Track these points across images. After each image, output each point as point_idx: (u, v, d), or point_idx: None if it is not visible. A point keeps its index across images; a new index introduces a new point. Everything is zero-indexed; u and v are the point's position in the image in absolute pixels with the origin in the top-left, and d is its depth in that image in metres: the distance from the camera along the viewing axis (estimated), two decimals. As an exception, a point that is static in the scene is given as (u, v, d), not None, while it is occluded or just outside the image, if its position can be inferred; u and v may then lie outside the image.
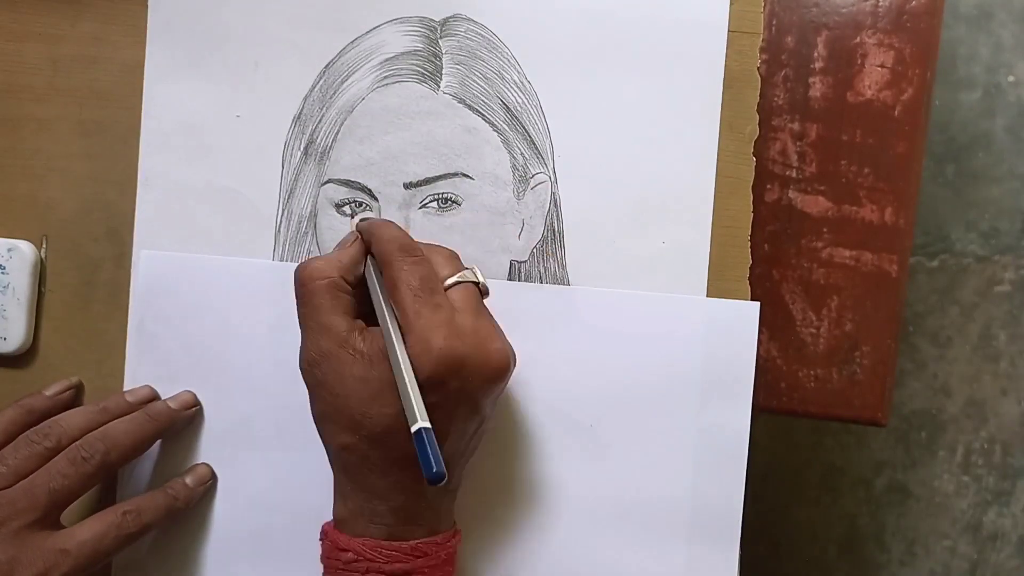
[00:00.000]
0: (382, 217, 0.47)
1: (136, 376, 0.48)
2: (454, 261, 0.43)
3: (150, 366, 0.48)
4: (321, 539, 0.42)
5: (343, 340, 0.40)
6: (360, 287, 0.42)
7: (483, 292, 0.42)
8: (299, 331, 0.41)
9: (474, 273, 0.42)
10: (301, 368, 0.41)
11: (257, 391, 0.47)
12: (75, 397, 0.48)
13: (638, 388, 0.46)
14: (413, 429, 0.36)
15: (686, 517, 0.46)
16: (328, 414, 0.40)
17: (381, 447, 0.39)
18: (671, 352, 0.46)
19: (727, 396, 0.46)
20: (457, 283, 0.41)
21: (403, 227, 0.47)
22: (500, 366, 0.40)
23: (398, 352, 0.38)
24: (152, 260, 0.48)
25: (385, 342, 0.39)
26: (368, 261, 0.43)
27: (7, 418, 0.45)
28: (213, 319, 0.47)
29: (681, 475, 0.46)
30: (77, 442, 0.43)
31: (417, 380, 0.38)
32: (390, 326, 0.39)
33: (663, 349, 0.46)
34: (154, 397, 0.47)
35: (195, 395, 0.47)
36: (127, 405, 0.46)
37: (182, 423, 0.47)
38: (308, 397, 0.42)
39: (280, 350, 0.47)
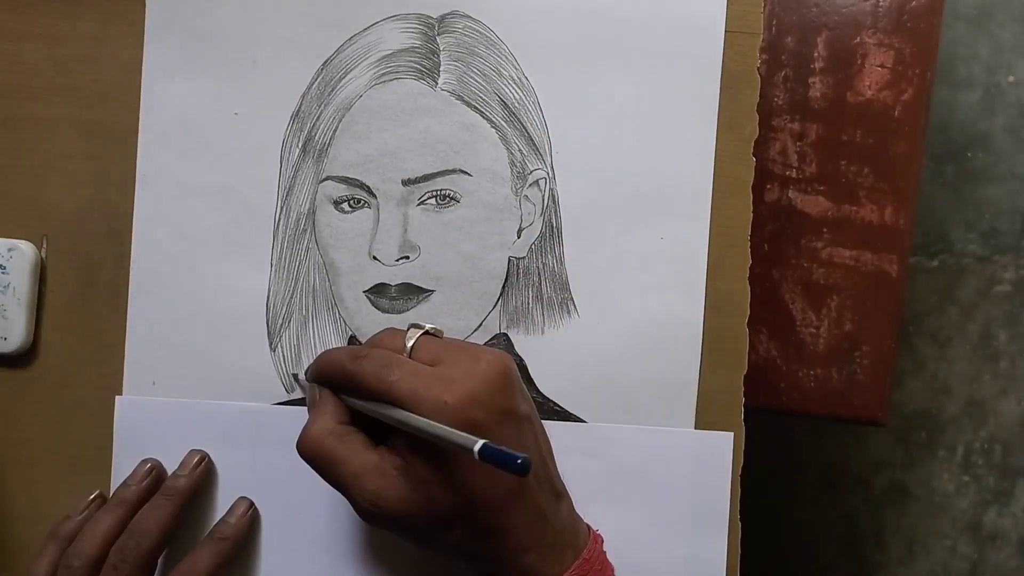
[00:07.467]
0: (380, 215, 0.47)
1: None
2: (396, 331, 0.43)
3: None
4: None
5: (384, 471, 0.39)
6: (357, 422, 0.41)
7: (437, 335, 0.42)
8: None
9: (418, 327, 0.42)
10: (368, 521, 0.41)
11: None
12: (100, 506, 0.47)
13: (620, 520, 0.46)
14: (476, 451, 0.35)
15: None
16: (427, 540, 0.41)
17: (471, 531, 0.39)
18: (653, 484, 0.46)
19: (705, 527, 0.46)
20: (413, 344, 0.41)
21: (402, 224, 0.47)
22: (496, 374, 0.40)
23: (416, 419, 0.37)
24: (126, 405, 0.47)
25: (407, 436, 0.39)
26: (343, 398, 0.42)
27: (50, 555, 0.44)
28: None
29: None
30: (111, 549, 0.43)
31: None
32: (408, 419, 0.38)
33: (648, 480, 0.46)
34: (155, 467, 0.47)
35: (199, 451, 0.47)
36: (137, 490, 0.46)
37: (198, 485, 0.46)
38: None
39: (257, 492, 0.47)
